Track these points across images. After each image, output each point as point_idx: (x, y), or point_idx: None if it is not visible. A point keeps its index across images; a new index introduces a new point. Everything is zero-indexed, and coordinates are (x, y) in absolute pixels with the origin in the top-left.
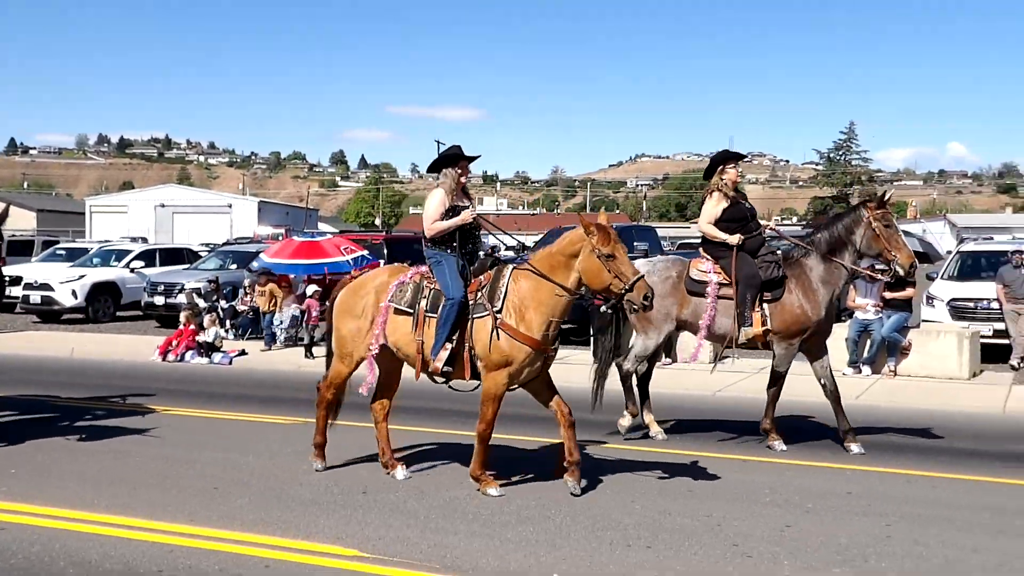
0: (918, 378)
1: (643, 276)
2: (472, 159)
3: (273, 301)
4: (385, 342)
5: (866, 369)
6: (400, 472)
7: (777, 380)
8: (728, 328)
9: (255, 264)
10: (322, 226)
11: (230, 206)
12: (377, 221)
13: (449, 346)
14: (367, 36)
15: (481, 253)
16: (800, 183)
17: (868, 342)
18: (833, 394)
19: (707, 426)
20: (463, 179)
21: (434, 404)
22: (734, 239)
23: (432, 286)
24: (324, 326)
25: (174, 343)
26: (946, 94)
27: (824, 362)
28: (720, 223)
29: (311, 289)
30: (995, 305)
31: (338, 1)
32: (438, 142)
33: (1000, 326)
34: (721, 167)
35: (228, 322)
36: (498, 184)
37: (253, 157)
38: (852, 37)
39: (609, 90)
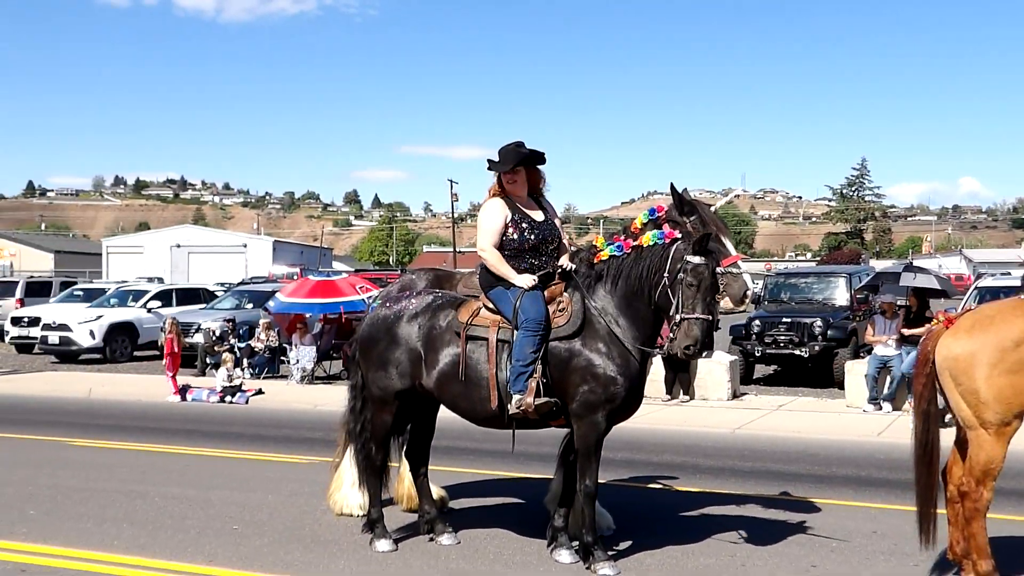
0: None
1: None
2: None
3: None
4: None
5: (887, 406)
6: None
7: None
8: None
9: (271, 303)
10: (337, 265)
11: (245, 246)
12: (391, 260)
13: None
14: (379, 78)
15: None
16: (813, 219)
17: (888, 378)
18: None
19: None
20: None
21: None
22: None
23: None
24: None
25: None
26: (959, 129)
27: None
28: None
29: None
30: None
31: (349, 46)
32: (451, 181)
33: None
34: None
35: (245, 361)
36: None
37: (267, 197)
38: (863, 71)
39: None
